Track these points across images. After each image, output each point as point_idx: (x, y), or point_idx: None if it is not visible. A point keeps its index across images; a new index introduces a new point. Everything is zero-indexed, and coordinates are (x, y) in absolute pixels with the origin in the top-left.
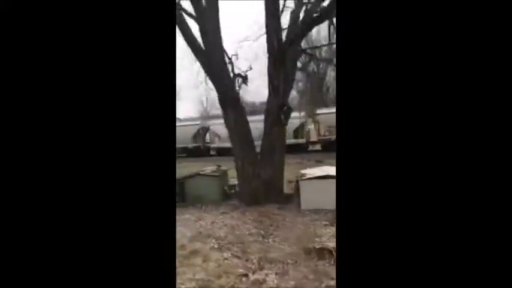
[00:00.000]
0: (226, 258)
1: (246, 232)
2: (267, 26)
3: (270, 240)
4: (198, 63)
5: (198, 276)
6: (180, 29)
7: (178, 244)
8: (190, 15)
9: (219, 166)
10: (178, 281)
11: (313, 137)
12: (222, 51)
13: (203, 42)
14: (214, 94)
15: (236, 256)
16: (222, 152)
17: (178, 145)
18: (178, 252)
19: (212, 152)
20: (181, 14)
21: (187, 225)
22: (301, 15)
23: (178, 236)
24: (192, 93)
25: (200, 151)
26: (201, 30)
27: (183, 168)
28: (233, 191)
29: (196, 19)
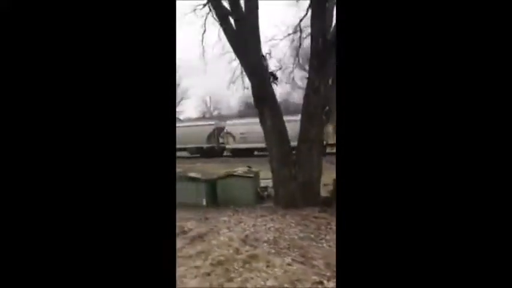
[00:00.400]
0: (289, 264)
1: (294, 236)
2: (312, 26)
3: (325, 245)
4: (234, 62)
5: (269, 283)
6: (221, 25)
7: (231, 247)
8: (228, 11)
9: (249, 167)
10: (249, 286)
11: (332, 140)
12: (260, 47)
13: (240, 38)
14: (216, 96)
15: (299, 261)
16: (236, 153)
17: (193, 145)
18: (235, 256)
19: (226, 153)
20: (222, 10)
21: (230, 228)
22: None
23: (225, 239)
24: (195, 93)
25: (214, 151)
26: (238, 26)
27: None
28: (266, 193)
29: (232, 14)
